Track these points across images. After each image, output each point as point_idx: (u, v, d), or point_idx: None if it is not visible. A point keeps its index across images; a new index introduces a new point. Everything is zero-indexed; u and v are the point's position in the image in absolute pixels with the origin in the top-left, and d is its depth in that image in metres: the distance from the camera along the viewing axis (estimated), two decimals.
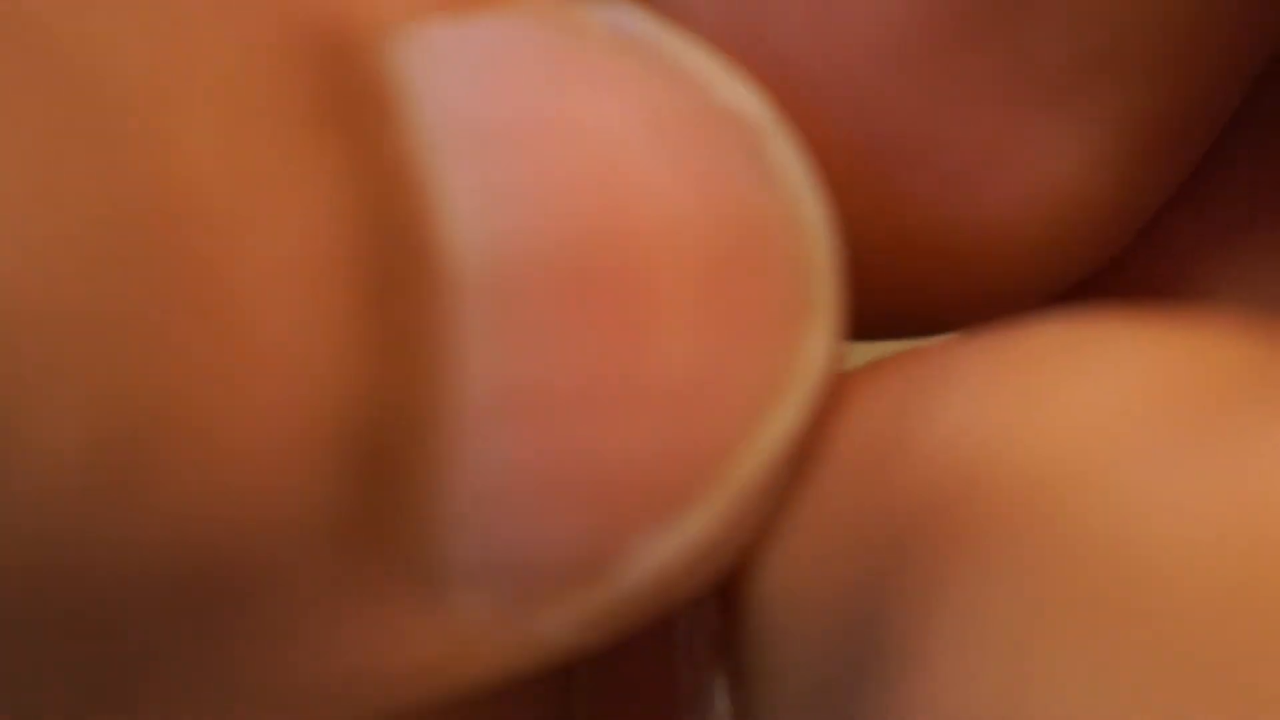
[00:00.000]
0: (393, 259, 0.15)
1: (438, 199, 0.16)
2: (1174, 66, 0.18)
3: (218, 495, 0.14)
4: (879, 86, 0.19)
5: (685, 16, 0.19)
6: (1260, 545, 0.13)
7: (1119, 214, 0.20)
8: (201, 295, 0.14)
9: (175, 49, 0.15)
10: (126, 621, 0.14)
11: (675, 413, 0.16)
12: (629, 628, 0.17)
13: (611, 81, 0.17)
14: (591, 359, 0.16)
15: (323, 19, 0.16)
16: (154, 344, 0.14)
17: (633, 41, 0.17)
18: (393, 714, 0.16)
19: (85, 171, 0.14)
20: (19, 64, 0.14)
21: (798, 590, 0.17)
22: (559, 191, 0.16)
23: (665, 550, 0.16)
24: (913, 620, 0.14)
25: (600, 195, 0.16)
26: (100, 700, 0.15)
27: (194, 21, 0.15)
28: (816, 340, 0.17)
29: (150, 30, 0.15)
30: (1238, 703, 0.12)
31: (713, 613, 0.18)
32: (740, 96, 0.17)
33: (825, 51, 0.19)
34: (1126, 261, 0.21)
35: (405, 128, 0.16)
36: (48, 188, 0.14)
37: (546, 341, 0.16)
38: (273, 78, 0.15)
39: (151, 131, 0.14)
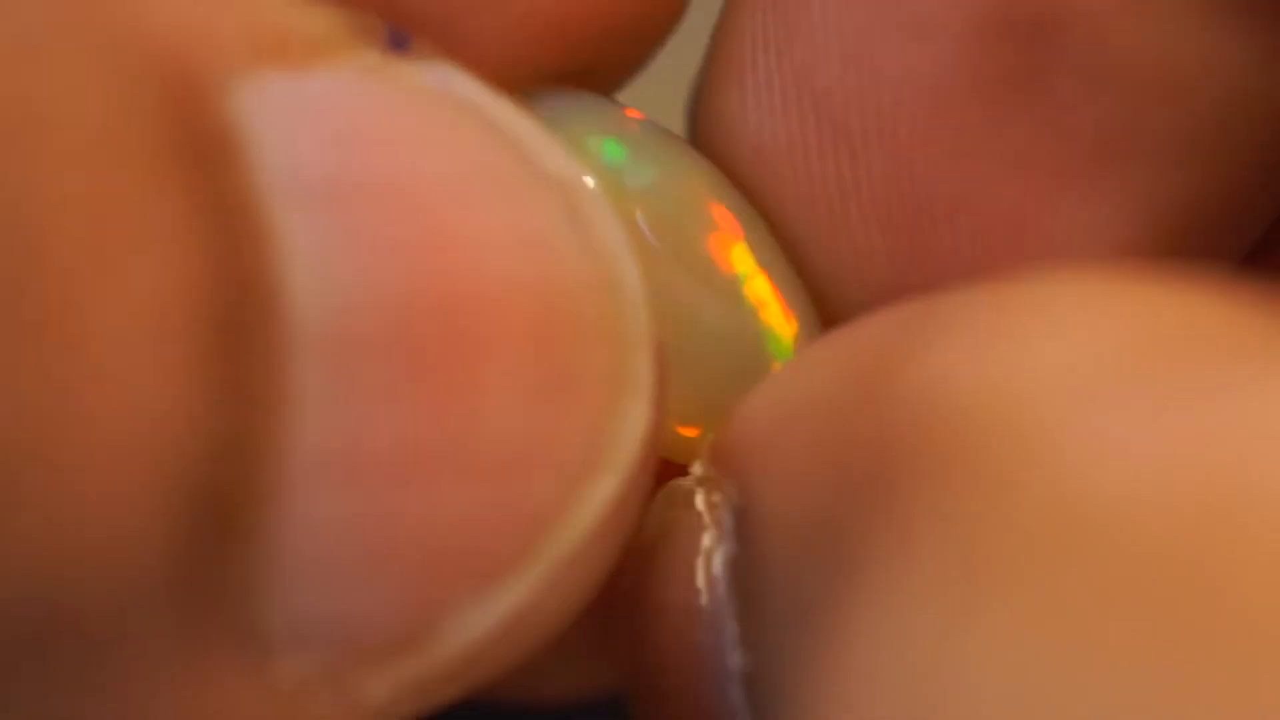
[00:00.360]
0: (237, 308, 0.15)
1: (282, 250, 0.15)
2: (1202, 149, 0.19)
3: (58, 536, 0.14)
4: (912, 139, 0.19)
5: (737, 56, 0.20)
6: (1206, 506, 0.13)
7: None
8: (47, 340, 0.14)
9: (32, 88, 0.14)
10: None
11: (496, 481, 0.16)
12: (459, 691, 0.17)
13: (441, 140, 0.17)
14: (415, 423, 0.16)
15: (173, 58, 0.16)
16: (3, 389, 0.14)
17: (460, 102, 0.17)
18: None
19: None
20: None
21: (790, 505, 0.17)
22: (391, 249, 0.16)
23: (485, 619, 0.16)
24: (869, 550, 0.14)
25: (429, 256, 0.16)
26: None
27: (51, 57, 0.15)
28: (636, 411, 0.17)
29: (7, 69, 0.14)
30: (1167, 667, 0.12)
31: (732, 537, 0.18)
32: (561, 162, 0.17)
33: (866, 99, 0.19)
34: None
35: (250, 176, 0.15)
36: None
37: (375, 404, 0.16)
38: (127, 119, 0.15)
39: (6, 174, 0.14)
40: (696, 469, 0.19)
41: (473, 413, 0.16)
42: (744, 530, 0.17)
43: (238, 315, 0.15)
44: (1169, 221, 0.19)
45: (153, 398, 0.14)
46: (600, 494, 0.17)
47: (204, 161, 0.15)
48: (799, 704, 0.15)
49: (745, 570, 0.17)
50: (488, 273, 0.16)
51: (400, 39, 0.18)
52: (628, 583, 0.19)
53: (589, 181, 0.18)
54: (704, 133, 0.21)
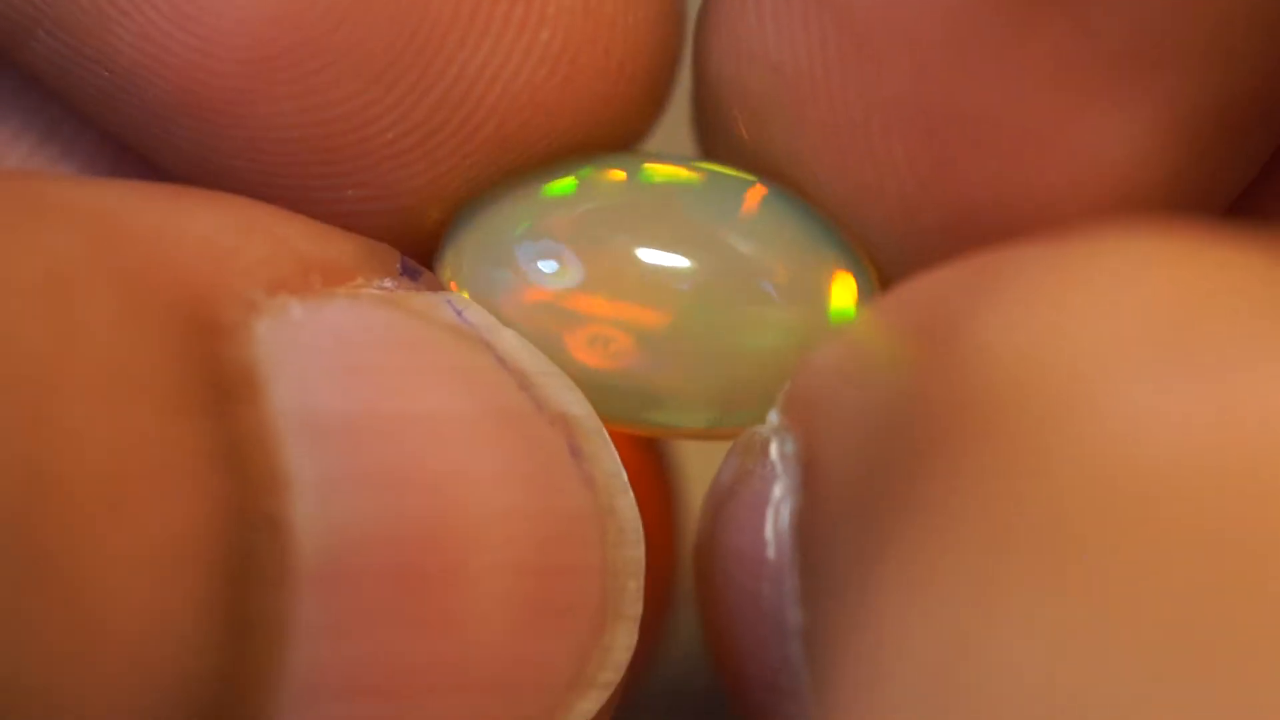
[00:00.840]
0: (244, 543, 0.16)
1: (289, 486, 0.16)
2: (1233, 58, 0.18)
3: None
4: (941, 53, 0.19)
5: None
6: (1249, 472, 0.12)
7: (1174, 205, 0.19)
8: (60, 581, 0.14)
9: (60, 325, 0.15)
10: None
11: (483, 700, 0.17)
12: None
13: (451, 375, 0.18)
14: (408, 650, 0.17)
15: (196, 292, 0.16)
16: (8, 625, 0.14)
17: (471, 336, 0.18)
18: None
19: None
20: None
21: (847, 461, 0.17)
22: (393, 487, 0.17)
23: None
24: (911, 513, 0.14)
25: (431, 494, 0.17)
26: None
27: (79, 292, 0.15)
28: (622, 636, 0.18)
29: (39, 307, 0.15)
30: (1200, 639, 0.12)
31: (800, 489, 0.18)
32: (566, 397, 0.18)
33: (890, 11, 0.19)
34: None
35: (265, 415, 0.16)
36: None
37: (370, 632, 0.16)
38: (150, 358, 0.15)
39: (30, 412, 0.14)
40: (772, 417, 0.19)
41: (465, 640, 0.17)
42: (811, 483, 0.18)
43: (244, 550, 0.16)
44: (1196, 128, 0.19)
45: (160, 633, 0.15)
46: (583, 711, 0.18)
47: (222, 400, 0.16)
48: (843, 666, 0.15)
49: (810, 524, 0.18)
50: (488, 508, 0.17)
51: (412, 269, 0.19)
52: (702, 529, 0.19)
53: (591, 415, 0.18)
54: (715, 54, 0.21)
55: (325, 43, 0.19)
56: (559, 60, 0.19)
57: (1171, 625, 0.12)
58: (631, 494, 0.18)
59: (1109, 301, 0.14)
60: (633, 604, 0.18)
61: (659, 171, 0.20)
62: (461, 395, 0.18)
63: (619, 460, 0.18)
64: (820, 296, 0.20)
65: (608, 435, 0.18)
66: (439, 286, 0.19)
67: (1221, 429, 0.13)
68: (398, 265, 0.19)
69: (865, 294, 0.20)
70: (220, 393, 0.16)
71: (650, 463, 0.25)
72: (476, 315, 0.18)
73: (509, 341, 0.18)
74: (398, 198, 0.20)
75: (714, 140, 0.21)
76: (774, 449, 0.18)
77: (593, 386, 0.19)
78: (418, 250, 0.20)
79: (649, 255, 0.19)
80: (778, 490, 0.18)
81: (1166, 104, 0.19)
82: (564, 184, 0.20)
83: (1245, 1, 0.18)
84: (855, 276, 0.20)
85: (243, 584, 0.16)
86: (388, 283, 0.18)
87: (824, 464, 0.17)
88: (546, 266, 0.19)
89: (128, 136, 0.20)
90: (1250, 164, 0.20)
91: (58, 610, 0.14)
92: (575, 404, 0.18)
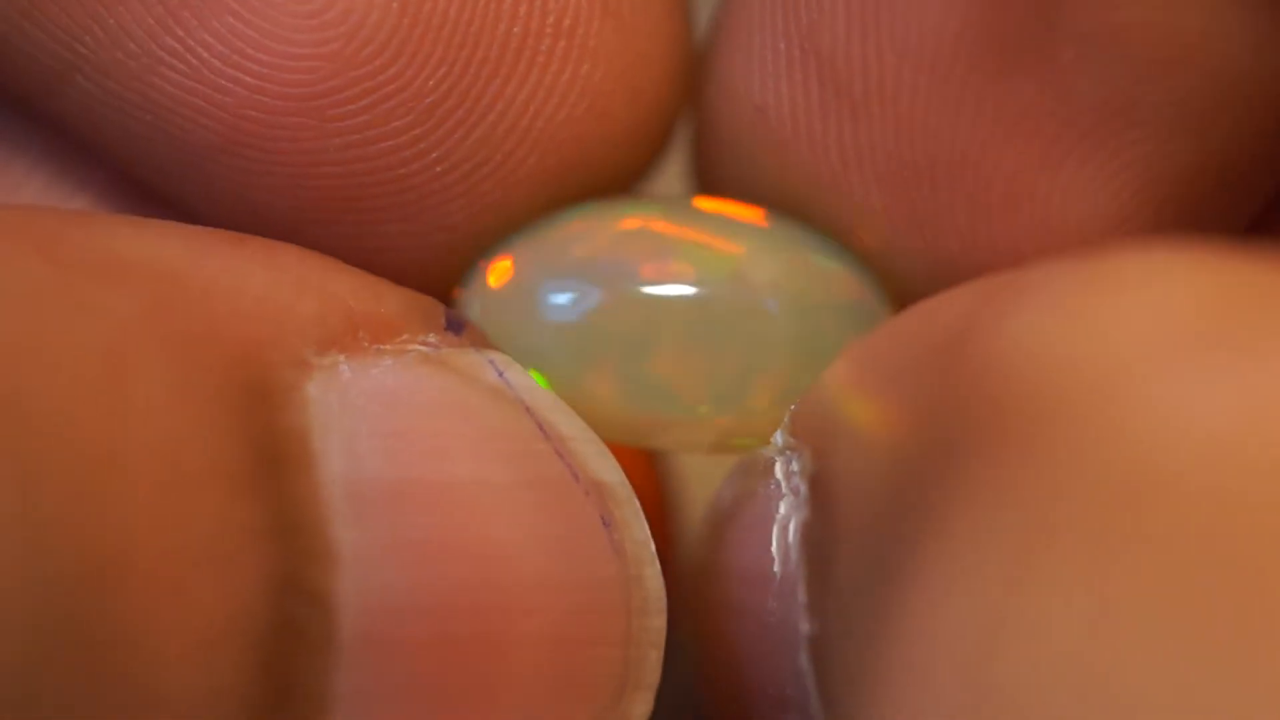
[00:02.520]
0: (290, 615, 0.16)
1: (336, 559, 0.16)
2: (1208, 120, 0.19)
3: None
4: (918, 100, 0.19)
5: (743, 18, 0.20)
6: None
7: None
8: (121, 664, 0.15)
9: (121, 401, 0.15)
10: None
11: None
12: None
13: (493, 443, 0.18)
14: (440, 717, 0.17)
15: (248, 357, 0.16)
16: (64, 704, 0.14)
17: (512, 397, 0.18)
18: None
19: (14, 536, 0.14)
20: None
21: (868, 469, 0.17)
22: (435, 558, 0.17)
23: None
24: (941, 511, 0.15)
25: (471, 565, 0.17)
26: None
27: (136, 363, 0.15)
28: (638, 707, 0.18)
29: (99, 381, 0.15)
30: (1235, 624, 0.12)
31: (807, 504, 0.18)
32: (601, 464, 0.18)
33: (870, 61, 0.19)
34: None
35: (315, 483, 0.16)
36: None
37: (407, 705, 0.17)
38: (208, 431, 0.15)
39: (93, 498, 0.14)
40: (777, 439, 0.19)
41: (493, 709, 0.17)
42: (818, 497, 0.18)
43: (290, 621, 0.16)
44: (1165, 192, 0.19)
45: (210, 707, 0.15)
46: None
47: (273, 473, 0.16)
48: (864, 666, 0.15)
49: (818, 537, 0.18)
50: (524, 579, 0.17)
51: (456, 323, 0.19)
52: (701, 553, 0.20)
53: (622, 481, 0.18)
54: (707, 93, 0.21)
55: (377, 80, 0.19)
56: (596, 94, 0.20)
57: (1211, 612, 0.12)
58: (658, 563, 0.19)
59: (1137, 304, 0.14)
60: (652, 673, 0.18)
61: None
62: (502, 464, 0.18)
63: (648, 529, 0.19)
64: (826, 319, 0.20)
65: (638, 503, 0.19)
66: (483, 340, 0.19)
67: (1259, 419, 0.13)
68: (442, 319, 0.19)
69: (876, 312, 0.20)
70: (272, 462, 0.16)
71: (649, 483, 0.25)
72: (517, 377, 0.18)
73: (548, 405, 0.18)
74: (438, 233, 0.20)
75: (709, 177, 0.22)
76: (779, 468, 0.19)
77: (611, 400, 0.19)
78: (452, 286, 0.20)
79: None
80: (783, 508, 0.18)
81: (1136, 167, 0.19)
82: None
83: (1213, 77, 0.18)
84: (865, 294, 0.20)
85: (286, 654, 0.16)
86: (432, 338, 0.18)
87: (838, 477, 0.18)
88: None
89: (160, 178, 0.20)
90: (1229, 224, 0.20)
91: (118, 687, 0.15)
92: (608, 471, 0.18)
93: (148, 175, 0.20)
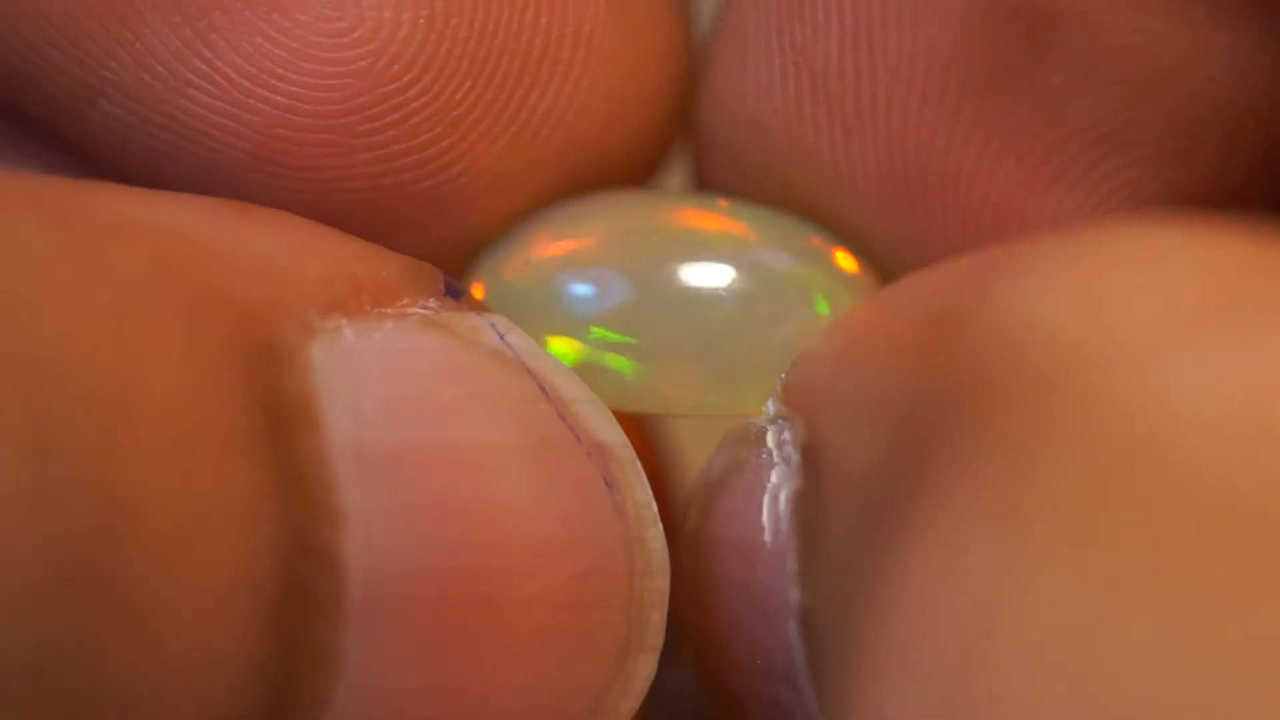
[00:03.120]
0: (298, 574, 0.16)
1: (343, 519, 0.16)
2: (1194, 146, 0.19)
3: None
4: (909, 119, 0.19)
5: (740, 32, 0.20)
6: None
7: None
8: (132, 618, 0.15)
9: (131, 358, 0.15)
10: None
11: None
12: None
13: (495, 405, 0.18)
14: (445, 677, 0.17)
15: (254, 317, 0.16)
16: (83, 662, 0.14)
17: (514, 359, 0.18)
18: None
19: (27, 490, 0.14)
20: None
21: (858, 438, 0.17)
22: (439, 519, 0.17)
23: None
24: (931, 482, 0.15)
25: (475, 526, 0.17)
26: None
27: (145, 322, 0.15)
28: (641, 668, 0.18)
29: (109, 338, 0.15)
30: (1232, 600, 0.12)
31: (799, 473, 0.18)
32: (602, 425, 0.18)
33: (863, 79, 0.19)
34: None
35: (321, 444, 0.16)
36: None
37: (411, 660, 0.17)
38: (216, 389, 0.16)
39: (106, 450, 0.15)
40: (768, 408, 0.19)
41: (497, 669, 0.17)
42: (810, 466, 0.18)
43: (298, 581, 0.16)
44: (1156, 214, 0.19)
45: (219, 665, 0.15)
46: None
47: (280, 430, 0.16)
48: (854, 636, 0.15)
49: (809, 506, 0.18)
50: (528, 540, 0.17)
51: (455, 288, 0.19)
52: (690, 522, 0.20)
53: (623, 442, 0.19)
54: (705, 104, 0.21)
55: (404, 96, 0.19)
56: (613, 99, 0.20)
57: (1204, 600, 0.12)
58: (660, 525, 0.19)
59: (1135, 280, 0.14)
60: (655, 635, 0.18)
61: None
62: (505, 425, 0.18)
63: (649, 490, 0.19)
64: (820, 286, 0.20)
65: (640, 464, 0.19)
66: (481, 306, 0.19)
67: (1259, 396, 0.13)
68: (441, 285, 0.19)
69: (864, 287, 0.20)
70: (279, 422, 0.16)
71: (645, 446, 0.25)
72: (519, 339, 0.18)
73: (549, 367, 0.18)
74: (460, 243, 0.20)
75: (708, 188, 0.22)
76: (770, 437, 0.19)
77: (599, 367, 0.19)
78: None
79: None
80: (774, 477, 0.18)
81: (1126, 190, 0.19)
82: None
83: (1201, 100, 0.19)
84: (852, 271, 0.20)
85: (295, 614, 0.16)
86: (432, 303, 0.18)
87: (829, 446, 0.18)
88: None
89: None
90: None
91: (129, 645, 0.15)
92: (610, 432, 0.18)
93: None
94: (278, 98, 0.19)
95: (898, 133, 0.19)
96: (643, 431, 0.25)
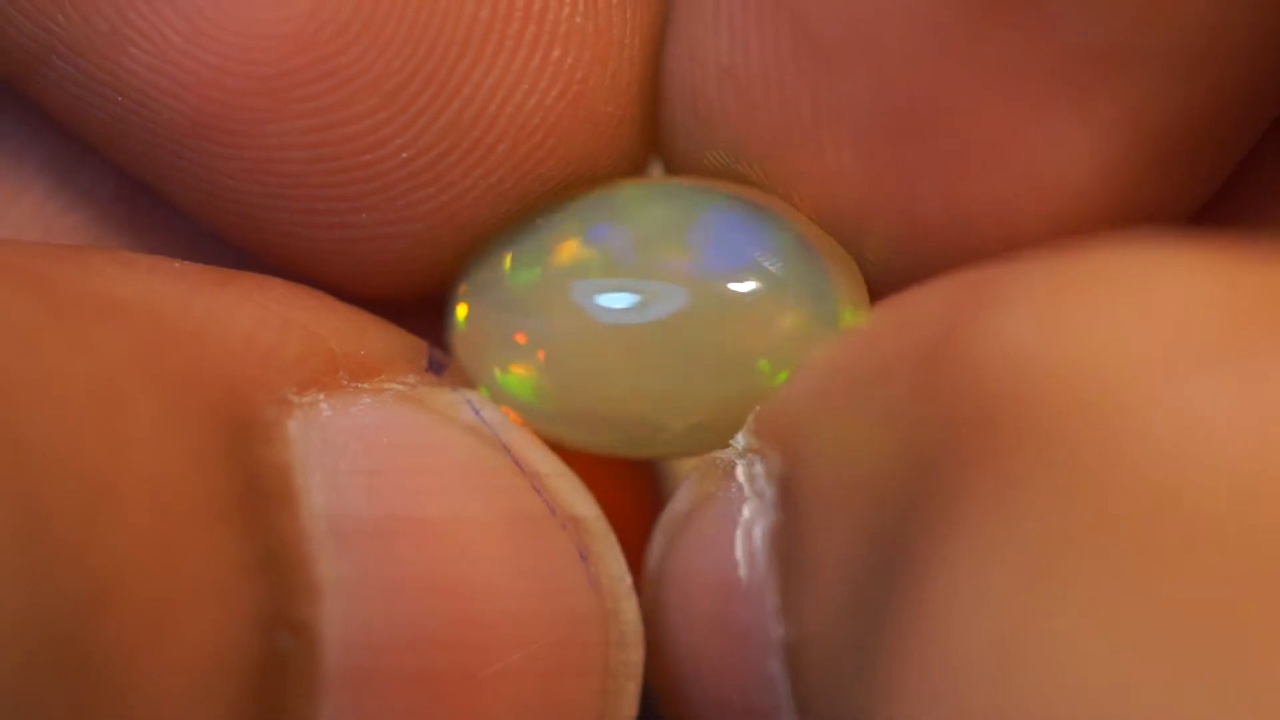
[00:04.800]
0: (275, 649, 0.16)
1: (320, 593, 0.17)
2: (1197, 68, 0.18)
3: None
4: (900, 51, 0.18)
5: None
6: None
7: (1133, 221, 0.19)
8: (112, 696, 0.15)
9: (116, 436, 0.15)
10: None
11: None
12: None
13: (471, 479, 0.18)
14: None
15: (233, 394, 0.17)
16: None
17: (489, 435, 0.18)
18: None
19: (14, 564, 0.14)
20: None
21: (846, 472, 0.17)
22: (415, 592, 0.17)
23: None
24: (939, 520, 0.14)
25: (450, 599, 0.17)
26: None
27: (128, 400, 0.16)
28: None
29: (95, 416, 0.15)
30: (1255, 638, 0.12)
31: (774, 507, 0.18)
32: (576, 498, 0.19)
33: (846, 12, 0.19)
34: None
35: (299, 518, 0.17)
36: None
37: None
38: (197, 465, 0.16)
39: (88, 531, 0.15)
40: (737, 441, 0.19)
41: None
42: (787, 499, 0.18)
43: (274, 655, 0.16)
44: (1153, 142, 0.19)
45: None
46: None
47: (258, 507, 0.16)
48: (865, 672, 0.15)
49: (788, 539, 0.17)
50: (503, 613, 0.18)
51: (438, 364, 0.19)
52: (651, 560, 0.19)
53: (598, 515, 0.19)
54: (669, 56, 0.20)
55: (339, 61, 0.18)
56: (569, 80, 0.19)
57: (1230, 631, 0.12)
58: (634, 597, 0.19)
59: (1128, 305, 0.14)
60: (630, 706, 0.19)
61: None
62: (481, 499, 0.18)
63: (624, 562, 0.19)
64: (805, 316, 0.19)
65: (614, 537, 0.19)
66: (465, 379, 0.19)
67: (1267, 434, 0.13)
68: (425, 360, 0.19)
69: (851, 313, 0.20)
70: (257, 497, 0.16)
71: (638, 508, 0.25)
72: (493, 415, 0.19)
73: (523, 442, 0.19)
74: (409, 222, 0.19)
75: (672, 145, 0.21)
76: (741, 471, 0.18)
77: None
78: (431, 283, 0.20)
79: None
80: (747, 511, 0.18)
81: (1126, 115, 0.18)
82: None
83: (1201, 23, 0.18)
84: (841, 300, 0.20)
85: (273, 686, 0.16)
86: (411, 379, 0.19)
87: (810, 481, 0.17)
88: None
89: (139, 166, 0.20)
90: (1212, 178, 0.20)
91: (109, 716, 0.15)
92: (585, 506, 0.19)
93: (127, 161, 0.20)
94: (209, 57, 0.18)
95: (884, 67, 0.19)
96: (634, 493, 0.25)
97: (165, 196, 0.20)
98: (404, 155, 0.19)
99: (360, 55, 0.18)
